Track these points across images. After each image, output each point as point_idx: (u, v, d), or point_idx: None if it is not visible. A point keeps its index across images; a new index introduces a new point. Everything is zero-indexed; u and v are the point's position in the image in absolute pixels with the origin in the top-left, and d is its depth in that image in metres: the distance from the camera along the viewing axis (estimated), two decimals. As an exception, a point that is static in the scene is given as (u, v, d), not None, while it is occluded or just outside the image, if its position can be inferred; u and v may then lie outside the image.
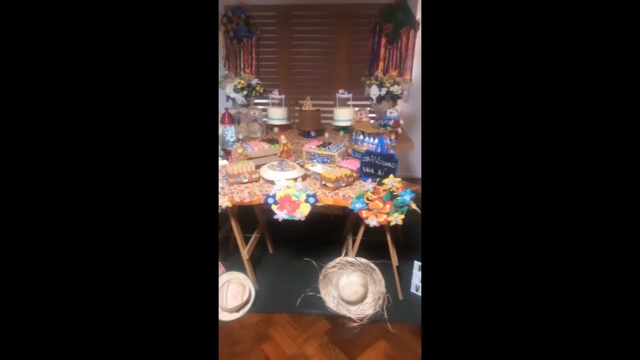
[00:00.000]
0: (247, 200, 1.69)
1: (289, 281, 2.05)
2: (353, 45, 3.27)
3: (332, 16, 3.18)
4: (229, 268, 1.97)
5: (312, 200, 1.64)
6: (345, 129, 2.57)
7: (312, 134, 2.35)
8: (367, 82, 2.61)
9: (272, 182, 1.74)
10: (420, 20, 3.11)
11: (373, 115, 2.72)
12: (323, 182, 1.70)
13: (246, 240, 1.96)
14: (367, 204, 1.64)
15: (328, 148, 2.00)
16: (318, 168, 1.87)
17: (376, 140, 1.84)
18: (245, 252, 1.93)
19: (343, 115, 2.52)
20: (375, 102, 2.56)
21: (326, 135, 2.18)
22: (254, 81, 2.59)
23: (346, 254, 2.02)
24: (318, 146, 2.04)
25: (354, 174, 1.79)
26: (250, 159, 1.91)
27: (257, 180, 1.79)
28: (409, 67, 3.24)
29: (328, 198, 1.68)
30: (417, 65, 3.29)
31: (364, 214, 1.66)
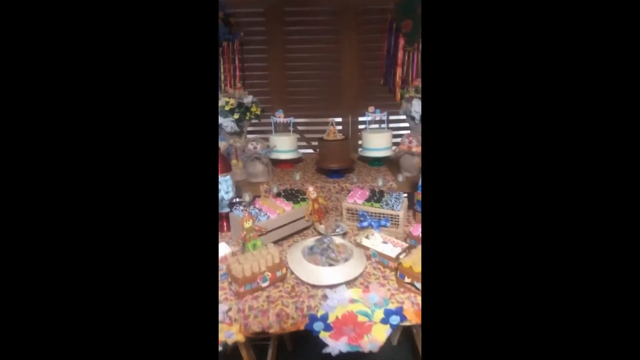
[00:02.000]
0: (274, 328, 0.91)
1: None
2: (363, 48, 2.59)
3: (336, 12, 2.48)
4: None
5: (395, 319, 0.90)
6: (379, 161, 1.85)
7: (355, 179, 1.53)
8: (407, 95, 1.92)
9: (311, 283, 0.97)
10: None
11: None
12: (408, 280, 0.96)
13: (256, 351, 1.17)
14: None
15: (385, 202, 1.27)
16: (376, 241, 1.13)
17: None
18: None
19: (378, 143, 1.81)
20: (418, 121, 1.87)
21: (380, 182, 1.43)
22: (247, 99, 1.82)
23: None
24: (366, 200, 1.30)
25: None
26: (264, 233, 1.13)
27: (282, 280, 1.01)
28: (431, 74, 2.60)
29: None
30: (442, 70, 2.64)
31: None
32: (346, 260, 1.00)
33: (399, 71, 2.59)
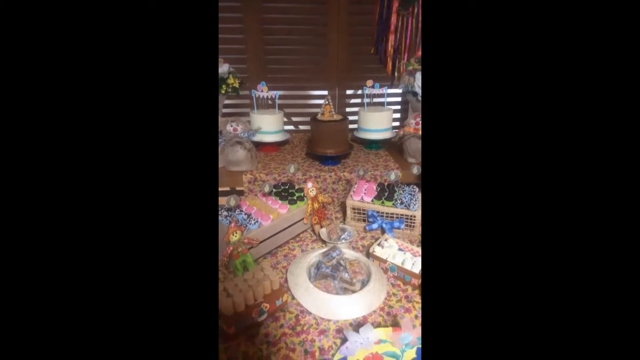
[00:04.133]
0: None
1: None
2: (352, 10, 2.30)
3: (322, -34, 2.15)
4: None
5: None
6: (377, 144, 1.63)
7: (362, 171, 1.23)
8: (410, 68, 1.67)
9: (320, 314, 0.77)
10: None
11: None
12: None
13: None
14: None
15: (398, 200, 1.07)
16: (392, 250, 0.93)
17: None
18: None
19: (376, 123, 1.58)
20: (421, 98, 1.65)
21: (392, 176, 1.18)
22: (223, 69, 1.50)
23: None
24: (376, 197, 1.09)
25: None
26: (256, 245, 0.90)
27: (283, 308, 0.80)
28: (425, 42, 2.36)
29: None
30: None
31: None
32: (363, 283, 0.80)
33: (391, 38, 2.32)
